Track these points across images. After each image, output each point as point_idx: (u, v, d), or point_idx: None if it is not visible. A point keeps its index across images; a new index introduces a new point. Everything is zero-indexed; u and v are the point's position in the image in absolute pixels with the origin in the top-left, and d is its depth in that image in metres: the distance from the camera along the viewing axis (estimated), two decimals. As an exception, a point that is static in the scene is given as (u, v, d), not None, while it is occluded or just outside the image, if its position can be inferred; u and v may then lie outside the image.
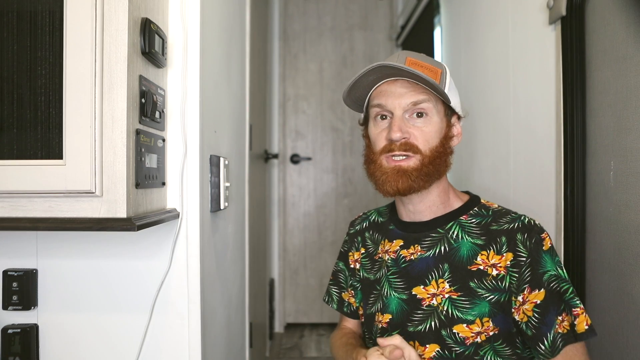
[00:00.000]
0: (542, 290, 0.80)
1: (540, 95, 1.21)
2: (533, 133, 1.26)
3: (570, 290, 0.80)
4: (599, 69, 0.98)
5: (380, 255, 0.96)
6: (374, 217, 1.04)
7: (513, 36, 1.37)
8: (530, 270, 0.80)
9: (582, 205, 1.03)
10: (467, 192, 0.95)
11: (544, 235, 0.83)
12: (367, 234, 1.02)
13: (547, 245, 0.82)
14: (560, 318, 0.79)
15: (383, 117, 0.88)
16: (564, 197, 1.07)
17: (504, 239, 0.84)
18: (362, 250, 1.02)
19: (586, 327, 0.78)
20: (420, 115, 0.85)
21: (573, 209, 1.04)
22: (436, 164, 0.85)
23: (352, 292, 1.04)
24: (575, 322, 0.78)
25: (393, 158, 0.85)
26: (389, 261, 0.93)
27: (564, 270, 0.82)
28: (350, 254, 1.05)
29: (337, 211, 3.08)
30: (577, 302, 0.80)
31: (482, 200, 0.92)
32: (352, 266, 1.04)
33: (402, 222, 0.94)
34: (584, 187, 1.03)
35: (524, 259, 0.81)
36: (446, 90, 0.85)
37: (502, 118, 1.45)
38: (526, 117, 1.30)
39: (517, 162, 1.35)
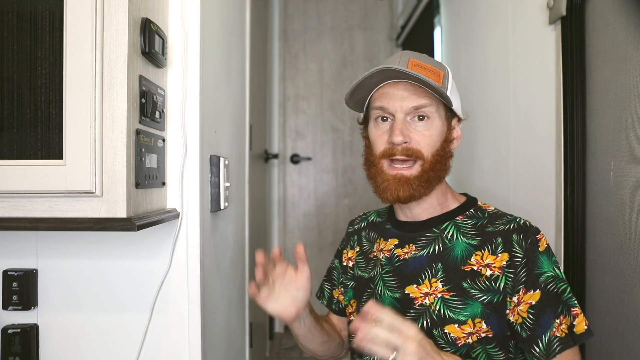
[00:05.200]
0: (538, 291, 0.79)
1: (540, 95, 1.21)
2: (533, 133, 1.26)
3: (568, 290, 0.80)
4: (599, 69, 0.98)
5: (375, 254, 0.96)
6: (372, 217, 1.04)
7: (513, 36, 1.37)
8: (526, 271, 0.80)
9: (582, 205, 1.03)
10: (464, 194, 0.95)
11: (539, 236, 0.82)
12: (363, 233, 1.03)
13: (543, 246, 0.82)
14: (557, 321, 0.78)
15: (384, 119, 0.87)
16: (564, 197, 1.07)
17: (499, 239, 0.83)
18: (357, 249, 1.02)
19: (585, 328, 0.77)
20: (421, 118, 0.85)
21: (573, 209, 1.04)
22: (437, 169, 0.85)
23: (342, 289, 1.04)
24: (575, 323, 0.77)
25: (394, 165, 0.85)
26: (383, 260, 0.92)
27: (561, 271, 0.82)
28: (345, 251, 1.05)
29: (337, 211, 3.08)
30: (575, 302, 0.79)
31: (479, 203, 0.92)
32: (344, 264, 1.04)
33: (398, 222, 0.94)
34: (584, 187, 1.03)
35: (520, 259, 0.81)
36: (448, 93, 0.85)
37: (502, 118, 1.45)
38: (526, 117, 1.30)
39: (517, 162, 1.35)
